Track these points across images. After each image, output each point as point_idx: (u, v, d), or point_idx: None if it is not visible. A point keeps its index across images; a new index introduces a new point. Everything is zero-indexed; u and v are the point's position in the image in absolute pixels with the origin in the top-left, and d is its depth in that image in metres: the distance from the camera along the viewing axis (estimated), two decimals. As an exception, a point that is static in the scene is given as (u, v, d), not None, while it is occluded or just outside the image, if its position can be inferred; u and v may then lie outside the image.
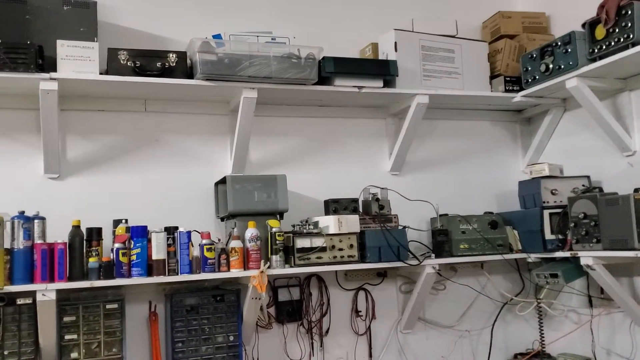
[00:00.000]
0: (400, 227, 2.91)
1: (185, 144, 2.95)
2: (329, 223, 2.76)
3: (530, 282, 3.37)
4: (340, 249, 2.75)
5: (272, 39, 2.83)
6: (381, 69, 2.93)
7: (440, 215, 3.09)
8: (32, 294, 2.37)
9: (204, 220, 2.89)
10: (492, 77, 3.27)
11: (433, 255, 2.98)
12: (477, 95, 3.20)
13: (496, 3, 3.55)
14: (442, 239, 3.00)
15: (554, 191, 3.06)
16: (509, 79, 3.22)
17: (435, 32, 3.13)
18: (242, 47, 2.70)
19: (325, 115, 3.19)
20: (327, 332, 3.05)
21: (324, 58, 2.82)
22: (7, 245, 2.36)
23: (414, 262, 2.85)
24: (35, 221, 2.43)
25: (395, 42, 3.00)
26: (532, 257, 3.09)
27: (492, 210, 3.31)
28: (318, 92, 2.89)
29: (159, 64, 2.62)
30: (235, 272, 2.61)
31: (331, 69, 2.81)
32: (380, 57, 3.10)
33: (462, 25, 3.27)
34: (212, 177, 2.94)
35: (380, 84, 2.94)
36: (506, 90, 3.21)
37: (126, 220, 2.62)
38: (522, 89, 3.20)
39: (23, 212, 2.41)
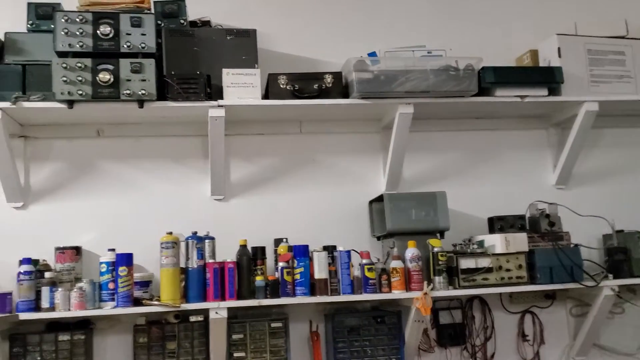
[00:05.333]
0: (572, 245, 2.69)
1: (337, 163, 2.96)
2: (495, 242, 2.61)
3: None
4: (508, 270, 2.59)
5: (427, 52, 2.77)
6: (545, 77, 2.76)
7: (616, 232, 2.82)
8: (204, 311, 2.47)
9: (358, 239, 2.86)
10: (669, 78, 2.96)
11: (610, 275, 2.71)
12: (654, 100, 2.91)
13: (668, -3, 3.24)
14: (620, 257, 2.73)
15: None
16: (690, 79, 2.90)
17: (601, 34, 2.89)
18: (398, 63, 2.66)
19: (481, 128, 3.06)
20: (492, 357, 2.87)
21: (483, 68, 2.71)
22: (182, 264, 2.47)
23: (591, 283, 2.61)
24: (207, 241, 2.53)
25: (559, 48, 2.81)
26: None
27: (673, 225, 2.97)
28: (477, 103, 2.77)
29: (315, 86, 2.65)
30: (398, 294, 2.55)
31: (492, 79, 2.70)
32: (541, 64, 2.92)
33: (629, 24, 3.00)
34: (365, 196, 2.91)
35: (545, 92, 2.77)
36: (687, 93, 2.89)
37: (287, 239, 2.67)
38: None
39: (196, 233, 2.52)
